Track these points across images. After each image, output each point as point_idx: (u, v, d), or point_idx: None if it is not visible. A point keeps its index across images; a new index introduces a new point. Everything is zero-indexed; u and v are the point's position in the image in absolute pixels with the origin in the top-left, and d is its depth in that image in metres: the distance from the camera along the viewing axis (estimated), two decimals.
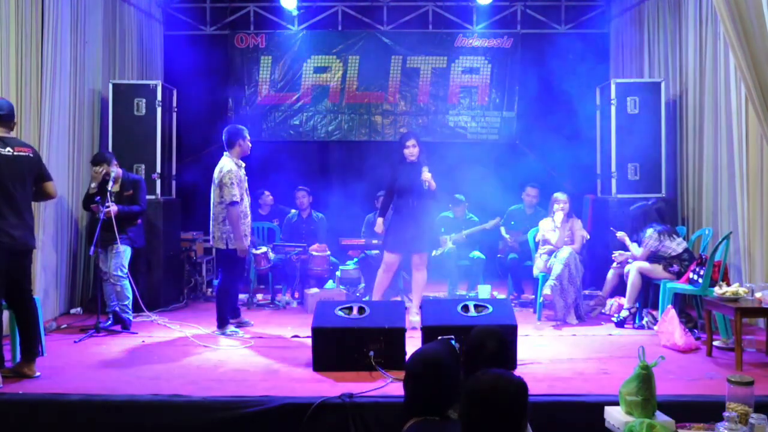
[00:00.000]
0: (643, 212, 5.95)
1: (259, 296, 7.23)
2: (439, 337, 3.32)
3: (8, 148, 4.12)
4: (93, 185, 5.64)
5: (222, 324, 5.55)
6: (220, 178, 5.41)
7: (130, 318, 5.67)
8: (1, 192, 4.06)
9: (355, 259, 7.24)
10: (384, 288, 5.94)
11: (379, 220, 6.02)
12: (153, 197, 6.67)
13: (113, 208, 5.48)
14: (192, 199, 7.82)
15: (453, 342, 2.94)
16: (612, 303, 6.18)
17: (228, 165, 5.46)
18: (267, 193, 7.97)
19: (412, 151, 5.83)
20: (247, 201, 5.62)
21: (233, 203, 5.35)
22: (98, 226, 5.44)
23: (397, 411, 2.48)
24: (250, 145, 5.68)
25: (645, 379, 2.90)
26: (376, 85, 8.73)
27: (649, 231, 5.74)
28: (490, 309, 4.59)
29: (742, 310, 4.40)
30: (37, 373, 4.19)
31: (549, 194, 6.54)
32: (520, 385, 2.03)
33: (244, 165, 5.66)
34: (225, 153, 5.56)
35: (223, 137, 5.62)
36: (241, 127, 5.73)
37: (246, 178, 5.68)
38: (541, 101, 8.16)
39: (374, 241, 6.90)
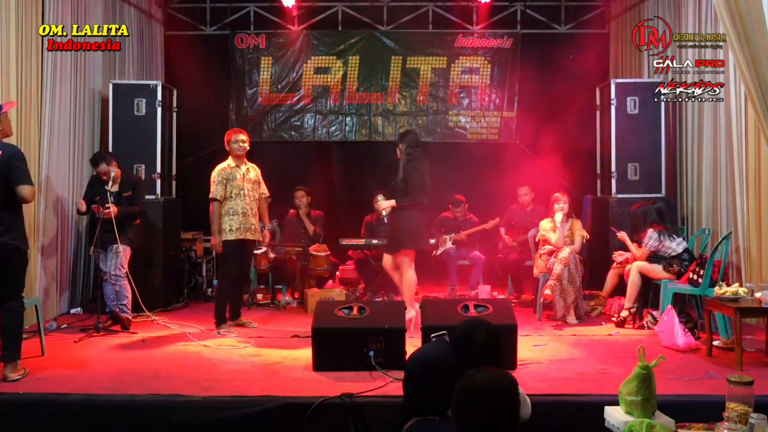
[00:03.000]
0: (643, 212, 5.95)
1: (259, 296, 7.24)
2: (432, 335, 3.31)
3: None
4: (107, 188, 5.64)
5: (218, 322, 5.58)
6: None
7: (129, 318, 5.68)
8: None
9: (355, 260, 7.23)
10: (400, 287, 5.88)
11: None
12: (153, 197, 6.68)
13: (113, 210, 5.49)
14: (192, 199, 7.81)
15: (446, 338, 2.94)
16: (612, 303, 6.18)
17: (222, 165, 5.68)
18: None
19: (396, 150, 5.85)
20: (243, 201, 5.61)
21: (210, 199, 5.57)
22: (98, 226, 5.45)
23: (397, 411, 2.48)
24: (239, 144, 5.65)
25: (645, 378, 2.90)
26: (376, 86, 8.72)
27: (649, 231, 5.75)
28: (490, 309, 4.59)
29: (742, 310, 4.40)
30: (16, 377, 4.11)
31: (549, 194, 6.54)
32: (511, 381, 2.04)
33: (246, 165, 5.72)
34: None
35: None
36: (231, 129, 5.85)
37: (248, 178, 5.71)
38: (541, 101, 8.17)
39: (374, 242, 6.91)
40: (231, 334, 5.45)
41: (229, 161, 5.68)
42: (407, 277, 5.71)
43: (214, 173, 5.63)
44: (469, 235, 7.29)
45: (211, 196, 5.58)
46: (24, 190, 4.12)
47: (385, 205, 5.82)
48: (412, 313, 5.33)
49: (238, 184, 5.61)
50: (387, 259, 5.80)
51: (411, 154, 5.70)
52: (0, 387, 3.95)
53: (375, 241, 6.91)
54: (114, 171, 5.69)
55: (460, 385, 2.02)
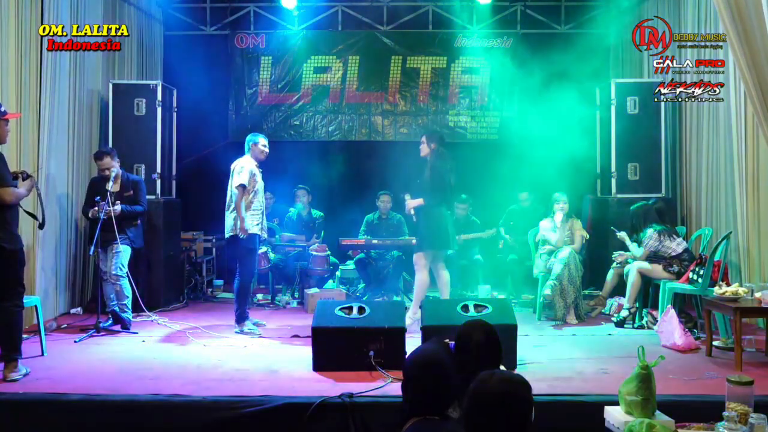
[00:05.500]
0: (643, 212, 5.95)
1: (259, 296, 7.24)
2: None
3: None
4: (108, 187, 5.60)
5: (240, 319, 5.59)
6: (234, 167, 5.63)
7: (130, 317, 5.68)
8: None
9: (355, 259, 7.23)
10: (439, 285, 5.87)
11: None
12: (153, 197, 6.68)
13: (117, 208, 5.50)
14: (192, 199, 7.82)
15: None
16: (612, 303, 6.19)
17: (244, 160, 5.68)
18: (268, 194, 7.97)
19: (420, 147, 5.82)
20: (261, 201, 5.70)
21: (240, 185, 5.52)
22: (98, 226, 5.45)
23: (397, 411, 2.48)
24: (265, 150, 5.77)
25: (645, 378, 2.90)
26: (376, 85, 8.72)
27: (649, 231, 5.75)
28: (490, 309, 4.59)
29: (742, 310, 4.41)
30: (16, 377, 4.11)
31: (548, 194, 6.54)
32: (526, 387, 2.02)
33: (260, 170, 5.79)
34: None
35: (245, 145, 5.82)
36: (257, 134, 5.86)
37: (262, 183, 5.77)
38: (541, 101, 8.16)
39: (374, 241, 6.92)
40: (254, 334, 5.46)
41: (250, 160, 5.69)
42: (420, 278, 5.69)
43: (242, 162, 5.60)
44: (467, 239, 7.30)
45: (240, 182, 5.51)
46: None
47: (413, 203, 5.76)
48: (418, 314, 5.29)
49: (258, 183, 5.67)
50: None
51: (440, 152, 5.70)
52: (0, 387, 3.96)
53: (375, 241, 6.91)
54: (116, 170, 5.67)
55: (473, 390, 1.99)
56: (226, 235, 5.68)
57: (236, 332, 5.53)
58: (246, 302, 5.70)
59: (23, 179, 4.34)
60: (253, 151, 5.73)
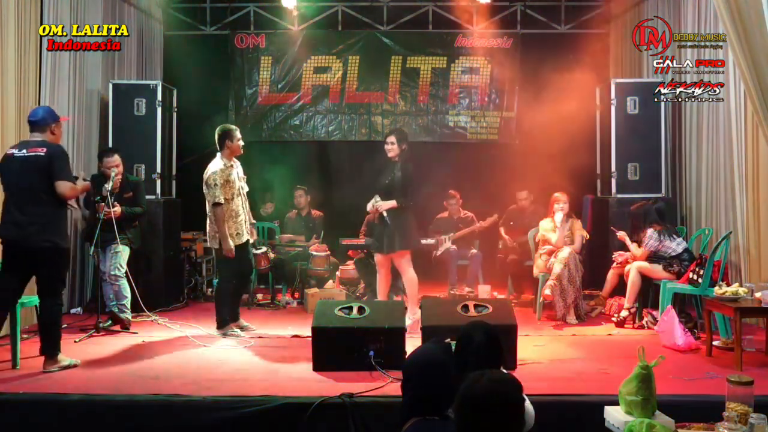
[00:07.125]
0: (643, 212, 5.95)
1: (259, 296, 7.24)
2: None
3: (24, 150, 4.30)
4: (107, 186, 5.55)
5: (221, 324, 5.55)
6: (205, 179, 5.40)
7: (129, 317, 5.68)
8: (10, 191, 4.32)
9: (355, 260, 7.23)
10: (382, 288, 5.86)
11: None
12: (153, 197, 6.68)
13: (117, 210, 5.50)
14: (192, 199, 7.79)
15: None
16: (612, 303, 6.18)
17: (214, 166, 5.42)
18: (269, 204, 7.98)
19: (388, 147, 5.71)
20: (240, 200, 5.52)
21: (215, 204, 5.33)
22: (98, 226, 5.44)
23: (397, 411, 2.48)
24: (241, 143, 5.55)
25: (645, 378, 2.90)
26: (376, 85, 8.72)
27: (649, 231, 5.75)
28: (490, 309, 4.59)
29: (742, 310, 4.41)
30: (53, 368, 4.31)
31: (548, 195, 6.54)
32: (516, 386, 2.00)
33: (238, 164, 5.60)
34: (218, 154, 5.53)
35: (215, 138, 5.56)
36: (231, 126, 5.63)
37: (243, 177, 5.64)
38: (541, 101, 8.16)
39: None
40: (235, 336, 5.43)
41: (224, 161, 5.43)
42: (409, 277, 5.68)
43: (213, 176, 5.33)
44: (469, 232, 7.29)
45: (215, 200, 5.29)
46: (60, 185, 4.26)
47: (386, 206, 5.71)
48: (418, 314, 5.29)
49: (235, 184, 5.46)
50: (380, 259, 5.79)
51: (408, 153, 5.70)
52: (0, 387, 3.96)
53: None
54: (116, 170, 5.64)
55: (462, 391, 1.97)
56: (209, 245, 5.66)
57: (217, 335, 5.47)
58: (226, 307, 5.55)
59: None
60: (231, 148, 5.47)
